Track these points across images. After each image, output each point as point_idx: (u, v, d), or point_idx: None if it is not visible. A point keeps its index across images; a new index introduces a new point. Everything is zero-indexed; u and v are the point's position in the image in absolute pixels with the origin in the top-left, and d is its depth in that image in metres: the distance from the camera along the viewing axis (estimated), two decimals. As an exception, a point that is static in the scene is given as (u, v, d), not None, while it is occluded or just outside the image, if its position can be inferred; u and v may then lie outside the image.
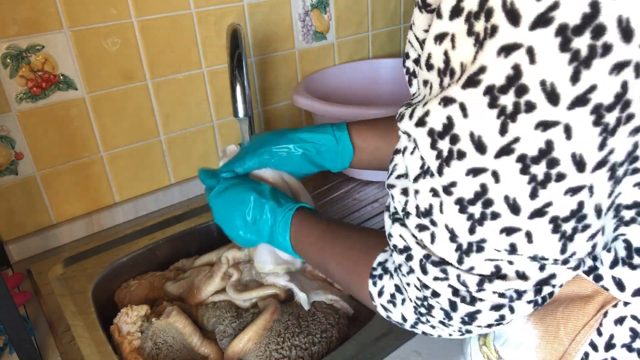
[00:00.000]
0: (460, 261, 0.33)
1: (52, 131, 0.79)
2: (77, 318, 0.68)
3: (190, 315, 0.69)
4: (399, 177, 0.39)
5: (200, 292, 0.71)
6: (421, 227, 0.35)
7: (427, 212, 0.34)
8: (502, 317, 0.35)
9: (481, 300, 0.34)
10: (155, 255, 0.84)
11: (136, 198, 0.91)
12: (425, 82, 0.34)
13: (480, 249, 0.33)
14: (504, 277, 0.33)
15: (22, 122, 0.76)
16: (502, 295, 0.33)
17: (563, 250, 0.31)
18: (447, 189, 0.32)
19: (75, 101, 0.80)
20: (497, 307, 0.34)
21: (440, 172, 0.32)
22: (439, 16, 0.30)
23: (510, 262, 0.32)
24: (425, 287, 0.37)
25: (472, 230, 0.32)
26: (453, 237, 0.33)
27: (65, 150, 0.82)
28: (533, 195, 0.29)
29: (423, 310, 0.39)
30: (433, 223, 0.34)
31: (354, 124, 0.65)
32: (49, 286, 0.75)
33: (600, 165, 0.28)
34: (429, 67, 0.33)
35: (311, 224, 0.55)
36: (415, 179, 0.35)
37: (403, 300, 0.41)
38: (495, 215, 0.30)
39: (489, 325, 0.37)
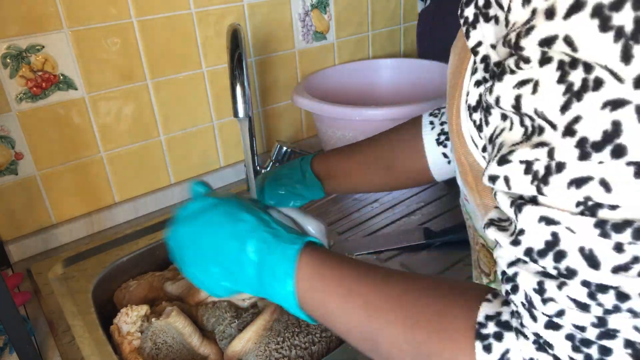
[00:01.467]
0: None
1: (52, 131, 0.79)
2: (77, 318, 0.68)
3: (189, 315, 0.69)
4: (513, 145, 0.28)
5: (199, 292, 0.71)
6: (579, 182, 0.24)
7: (610, 136, 0.23)
8: None
9: None
10: (156, 256, 0.84)
11: (136, 198, 0.91)
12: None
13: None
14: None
15: (22, 122, 0.76)
16: None
17: None
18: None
19: (75, 101, 0.80)
20: None
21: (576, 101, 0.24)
22: None
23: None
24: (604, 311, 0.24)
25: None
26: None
27: (65, 150, 0.82)
28: None
29: None
30: (617, 152, 0.23)
31: (319, 155, 0.65)
32: (49, 286, 0.74)
33: None
34: None
35: (335, 266, 0.38)
36: (564, 107, 0.24)
37: None
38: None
39: None
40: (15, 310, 0.51)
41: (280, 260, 0.39)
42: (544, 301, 0.26)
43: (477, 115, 0.35)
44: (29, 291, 0.74)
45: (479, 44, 0.32)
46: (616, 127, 0.23)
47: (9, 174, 0.78)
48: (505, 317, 0.30)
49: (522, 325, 0.28)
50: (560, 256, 0.25)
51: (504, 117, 0.29)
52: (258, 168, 0.90)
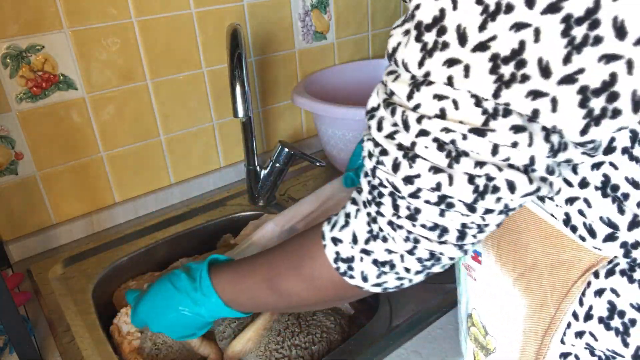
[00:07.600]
0: (410, 96, 0.33)
1: (52, 131, 0.79)
2: (77, 318, 0.68)
3: (190, 315, 0.68)
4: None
5: (200, 292, 0.71)
6: (391, 72, 0.36)
7: (395, 49, 0.35)
8: (439, 186, 0.33)
9: (423, 159, 0.33)
10: (155, 256, 0.84)
11: (136, 198, 0.91)
12: None
13: (429, 83, 0.33)
14: (444, 117, 0.33)
15: (22, 122, 0.76)
16: (441, 147, 0.33)
17: (496, 94, 0.30)
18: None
19: (75, 101, 0.80)
20: (435, 170, 0.33)
21: None
22: None
23: (456, 106, 0.32)
24: (377, 144, 0.36)
25: (421, 64, 0.32)
26: (414, 77, 0.34)
27: (65, 150, 0.82)
28: (482, 27, 0.29)
29: (373, 209, 0.38)
30: (396, 61, 0.35)
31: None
32: (49, 286, 0.74)
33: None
34: None
35: (232, 267, 0.53)
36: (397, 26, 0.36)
37: (357, 212, 0.41)
38: (445, 45, 0.31)
39: (434, 228, 0.35)
40: (16, 310, 0.51)
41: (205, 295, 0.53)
42: (363, 140, 0.39)
43: None
44: (29, 291, 0.74)
45: None
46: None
47: (9, 174, 0.78)
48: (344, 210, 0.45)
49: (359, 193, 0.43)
50: (372, 117, 0.37)
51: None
52: (258, 168, 0.90)
